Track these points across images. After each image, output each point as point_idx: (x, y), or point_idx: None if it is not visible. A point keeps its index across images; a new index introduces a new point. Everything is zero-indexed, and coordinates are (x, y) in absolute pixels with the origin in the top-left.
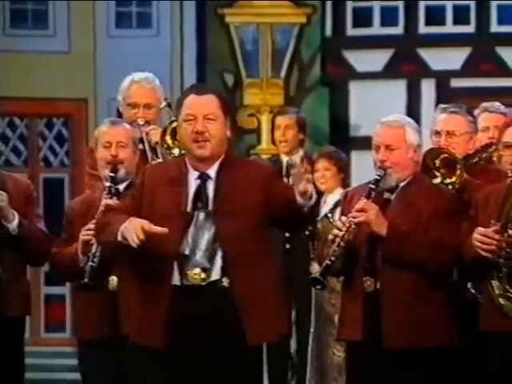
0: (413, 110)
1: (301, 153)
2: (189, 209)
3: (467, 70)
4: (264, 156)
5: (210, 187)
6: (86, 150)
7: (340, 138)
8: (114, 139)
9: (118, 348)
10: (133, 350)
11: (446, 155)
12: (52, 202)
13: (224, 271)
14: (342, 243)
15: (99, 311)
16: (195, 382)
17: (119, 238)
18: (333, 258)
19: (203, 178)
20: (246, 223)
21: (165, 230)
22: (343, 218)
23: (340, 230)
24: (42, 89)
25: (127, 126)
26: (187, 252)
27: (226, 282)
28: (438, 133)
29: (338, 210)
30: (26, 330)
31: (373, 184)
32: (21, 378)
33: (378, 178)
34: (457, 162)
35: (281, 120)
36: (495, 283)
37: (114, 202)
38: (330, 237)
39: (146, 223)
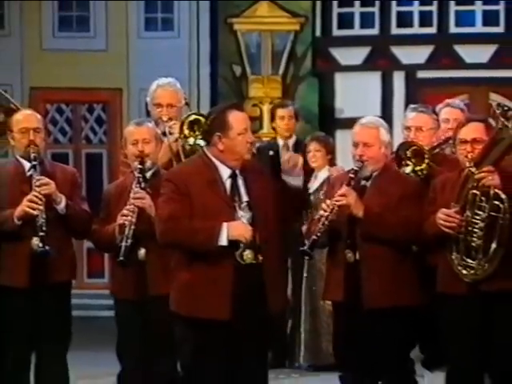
0: (386, 97)
1: (293, 137)
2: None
3: (430, 63)
4: (265, 138)
5: (240, 183)
6: (121, 144)
7: (327, 120)
8: (140, 137)
9: (145, 306)
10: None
11: (416, 147)
12: (92, 173)
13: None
14: (326, 222)
15: (131, 277)
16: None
17: (224, 242)
18: (318, 234)
19: (233, 176)
20: (269, 209)
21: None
22: (327, 201)
23: (325, 211)
24: (84, 80)
25: (150, 125)
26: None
27: (260, 259)
28: (408, 128)
29: (326, 185)
30: None
31: (352, 174)
32: (69, 321)
33: (356, 169)
34: (425, 152)
35: (284, 112)
36: (455, 255)
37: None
38: (317, 216)
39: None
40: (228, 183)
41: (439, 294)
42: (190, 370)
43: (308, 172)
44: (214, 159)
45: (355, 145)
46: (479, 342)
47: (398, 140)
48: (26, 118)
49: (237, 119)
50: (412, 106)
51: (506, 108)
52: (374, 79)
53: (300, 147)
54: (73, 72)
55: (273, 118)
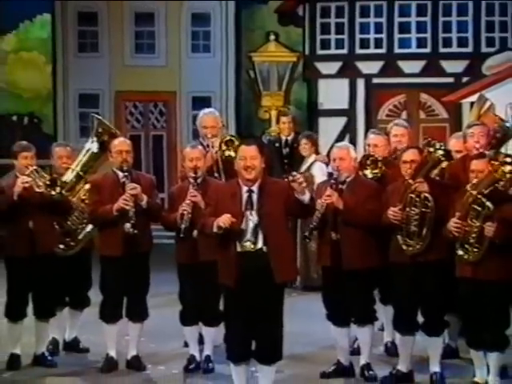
0: (352, 95)
1: (292, 135)
2: (243, 209)
3: (382, 73)
4: (273, 133)
5: (255, 197)
6: (181, 155)
7: (313, 110)
8: (194, 156)
9: (197, 268)
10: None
11: (373, 158)
12: (156, 147)
13: (264, 243)
14: (319, 215)
15: (187, 248)
16: (250, 305)
17: (215, 229)
18: (315, 224)
19: (250, 192)
20: (275, 216)
21: (234, 219)
22: (319, 201)
23: (318, 209)
24: (151, 86)
25: (200, 147)
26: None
27: (265, 249)
28: (368, 145)
29: (312, 167)
30: None
31: (333, 180)
32: (148, 277)
33: (335, 177)
34: (379, 161)
35: (286, 119)
36: (400, 237)
37: (199, 199)
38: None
39: (229, 216)
40: (245, 196)
41: (391, 263)
42: (225, 312)
43: (300, 158)
44: (240, 180)
45: (334, 160)
46: (414, 293)
47: (360, 128)
48: (120, 143)
49: (241, 149)
50: (371, 130)
51: (429, 139)
52: (344, 83)
53: (296, 141)
54: (144, 80)
55: (278, 121)
